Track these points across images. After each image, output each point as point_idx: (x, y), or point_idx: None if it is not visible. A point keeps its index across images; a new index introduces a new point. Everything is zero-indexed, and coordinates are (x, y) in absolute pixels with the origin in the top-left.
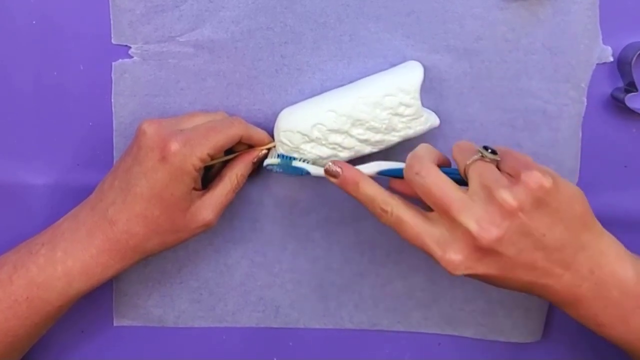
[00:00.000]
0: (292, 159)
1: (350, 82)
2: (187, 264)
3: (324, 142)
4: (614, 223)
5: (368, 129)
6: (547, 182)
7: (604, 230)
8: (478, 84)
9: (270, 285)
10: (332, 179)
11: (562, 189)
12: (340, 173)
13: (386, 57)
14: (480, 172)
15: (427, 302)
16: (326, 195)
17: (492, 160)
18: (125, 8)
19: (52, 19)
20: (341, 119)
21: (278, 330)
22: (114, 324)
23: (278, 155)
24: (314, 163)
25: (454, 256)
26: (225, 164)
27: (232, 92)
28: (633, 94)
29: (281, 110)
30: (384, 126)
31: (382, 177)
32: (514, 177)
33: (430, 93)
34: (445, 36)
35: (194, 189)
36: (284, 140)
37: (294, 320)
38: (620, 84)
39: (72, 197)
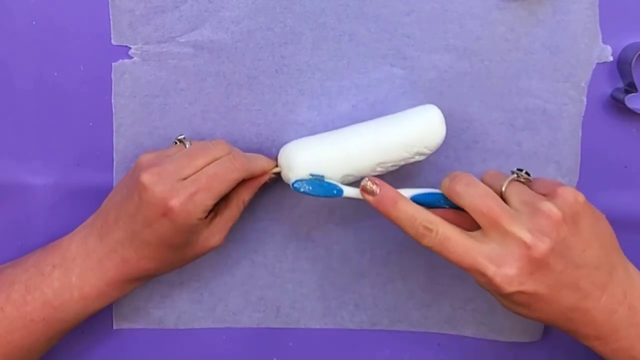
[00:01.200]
0: (322, 176)
1: (350, 82)
2: (187, 265)
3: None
4: (614, 223)
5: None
6: (581, 197)
7: (624, 255)
8: (478, 84)
9: (270, 286)
10: (368, 197)
11: (592, 208)
12: (378, 192)
13: (386, 57)
14: (518, 191)
15: (427, 302)
16: None
17: (526, 181)
18: (125, 9)
19: (52, 19)
20: (357, 179)
21: (278, 330)
22: (114, 327)
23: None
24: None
25: (509, 270)
26: None
27: (232, 92)
28: (633, 94)
29: (281, 111)
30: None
31: None
32: (547, 195)
33: (430, 93)
34: (445, 36)
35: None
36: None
37: (294, 321)
38: (620, 84)
39: (72, 197)
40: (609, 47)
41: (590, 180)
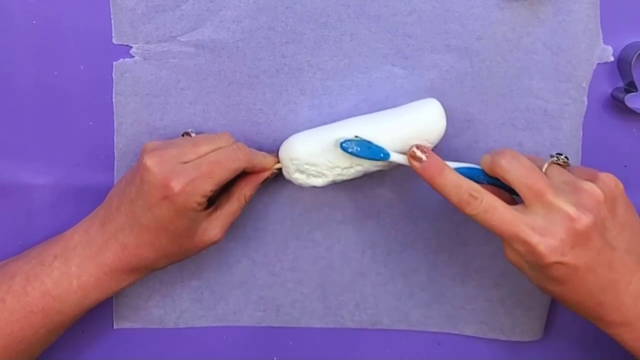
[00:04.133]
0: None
1: (351, 82)
2: (188, 263)
3: (331, 178)
4: None
5: (376, 170)
6: (620, 184)
7: None
8: (479, 84)
9: (271, 285)
10: (416, 163)
11: (626, 197)
12: (425, 159)
13: (387, 56)
14: (559, 172)
15: (427, 301)
16: (327, 195)
17: (565, 164)
18: (126, 7)
19: (52, 19)
20: (357, 173)
21: (278, 329)
22: (115, 327)
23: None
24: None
25: (552, 240)
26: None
27: (233, 91)
28: (633, 93)
29: (282, 110)
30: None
31: None
32: (588, 179)
33: (431, 93)
34: (446, 36)
35: (200, 211)
36: (292, 169)
37: (294, 320)
38: (620, 84)
39: (72, 197)
40: (610, 48)
41: None
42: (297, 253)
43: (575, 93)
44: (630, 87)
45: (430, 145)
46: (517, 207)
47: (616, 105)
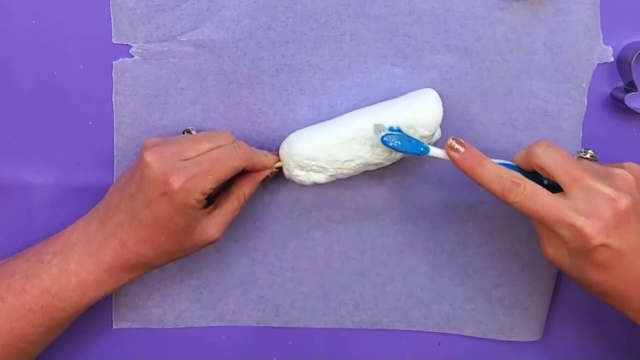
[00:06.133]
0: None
1: (351, 82)
2: (188, 263)
3: (332, 172)
4: None
5: (377, 165)
6: None
7: None
8: (479, 84)
9: (271, 285)
10: (454, 155)
11: None
12: (463, 151)
13: (387, 57)
14: (589, 163)
15: (427, 302)
16: (327, 195)
17: (592, 158)
18: (126, 7)
19: (52, 19)
20: (358, 167)
21: (278, 329)
22: (114, 327)
23: (397, 130)
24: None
25: (597, 221)
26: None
27: (233, 91)
28: (633, 93)
29: (282, 110)
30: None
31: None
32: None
33: None
34: (447, 36)
35: (199, 209)
36: (293, 165)
37: (294, 320)
38: (620, 84)
39: (72, 197)
40: (610, 48)
41: None
42: (297, 253)
43: (575, 93)
44: (630, 87)
45: (429, 134)
46: (557, 194)
47: (616, 105)
